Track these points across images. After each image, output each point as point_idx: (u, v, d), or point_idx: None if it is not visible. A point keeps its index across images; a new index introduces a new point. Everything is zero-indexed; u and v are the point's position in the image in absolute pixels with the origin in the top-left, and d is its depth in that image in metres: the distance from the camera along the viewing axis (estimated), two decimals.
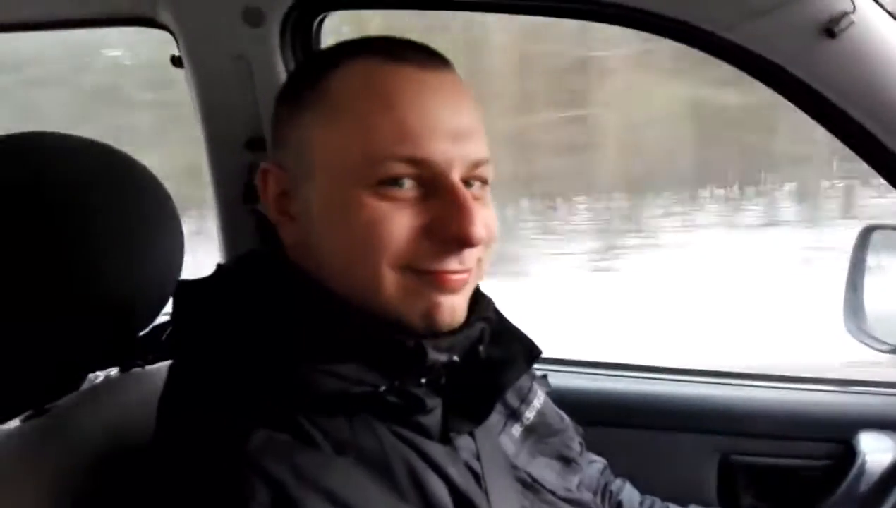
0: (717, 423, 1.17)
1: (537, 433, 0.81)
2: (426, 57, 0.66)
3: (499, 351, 0.72)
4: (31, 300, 0.69)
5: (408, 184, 0.62)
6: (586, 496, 0.84)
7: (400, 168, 0.61)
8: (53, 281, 0.70)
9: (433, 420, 0.66)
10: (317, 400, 0.59)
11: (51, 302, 0.70)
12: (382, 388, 0.61)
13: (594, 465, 0.95)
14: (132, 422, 0.74)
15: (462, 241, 0.61)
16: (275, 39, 1.08)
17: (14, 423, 0.74)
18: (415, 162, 0.61)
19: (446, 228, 0.61)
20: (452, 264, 0.63)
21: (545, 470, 0.79)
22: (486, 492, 0.67)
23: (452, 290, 0.64)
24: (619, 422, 1.18)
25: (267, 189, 0.68)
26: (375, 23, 1.24)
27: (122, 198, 0.77)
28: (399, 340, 0.62)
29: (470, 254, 0.63)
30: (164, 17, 1.12)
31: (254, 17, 1.07)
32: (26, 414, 0.75)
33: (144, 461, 0.63)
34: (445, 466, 0.64)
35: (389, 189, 0.61)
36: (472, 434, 0.70)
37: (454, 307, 0.64)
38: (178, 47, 1.13)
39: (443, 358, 0.64)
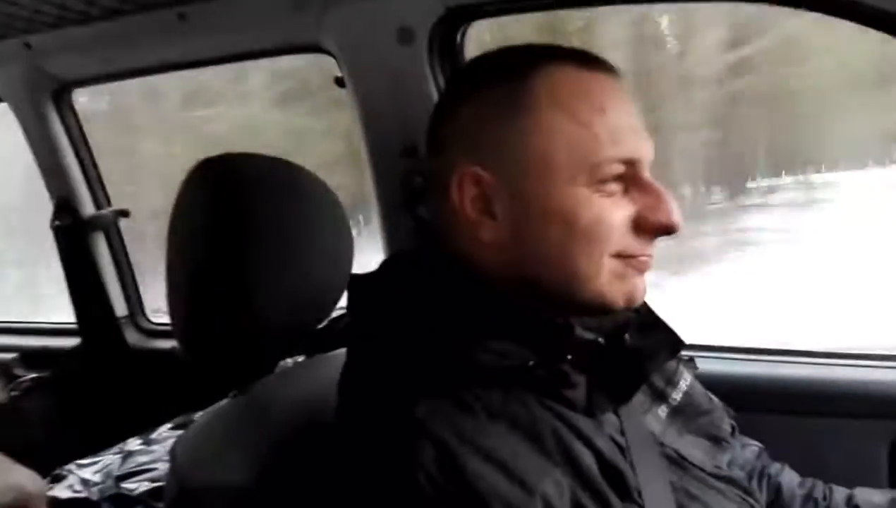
0: (887, 408, 1.11)
1: (685, 413, 0.82)
2: (606, 64, 0.73)
3: (644, 341, 0.75)
4: (231, 297, 0.82)
5: (615, 181, 0.69)
6: (737, 474, 0.84)
7: (616, 168, 0.68)
8: (249, 282, 0.82)
9: (579, 395, 0.70)
10: (473, 373, 0.66)
11: (247, 298, 0.82)
12: (532, 363, 0.67)
13: (749, 448, 0.94)
14: (318, 400, 0.85)
15: (668, 229, 0.70)
16: (424, 54, 1.17)
17: (223, 402, 0.89)
18: (627, 161, 0.69)
19: (653, 218, 0.69)
20: (651, 249, 0.71)
21: (693, 448, 0.80)
22: (631, 465, 0.70)
23: (645, 272, 0.72)
24: (776, 409, 1.15)
25: (463, 192, 0.71)
26: (516, 29, 1.30)
27: (299, 206, 0.90)
28: (549, 318, 0.68)
29: (655, 241, 0.71)
30: (328, 43, 1.26)
31: (406, 36, 1.17)
32: (232, 393, 0.90)
33: (329, 432, 0.74)
34: (592, 437, 0.68)
35: (606, 186, 0.68)
36: (616, 413, 0.74)
37: (645, 287, 0.72)
38: (340, 69, 1.26)
39: (588, 336, 0.70)
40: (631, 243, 0.70)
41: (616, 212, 0.69)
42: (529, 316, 0.69)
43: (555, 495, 0.62)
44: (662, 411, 0.81)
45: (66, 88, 1.66)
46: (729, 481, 0.80)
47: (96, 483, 0.97)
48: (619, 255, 0.69)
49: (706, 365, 1.06)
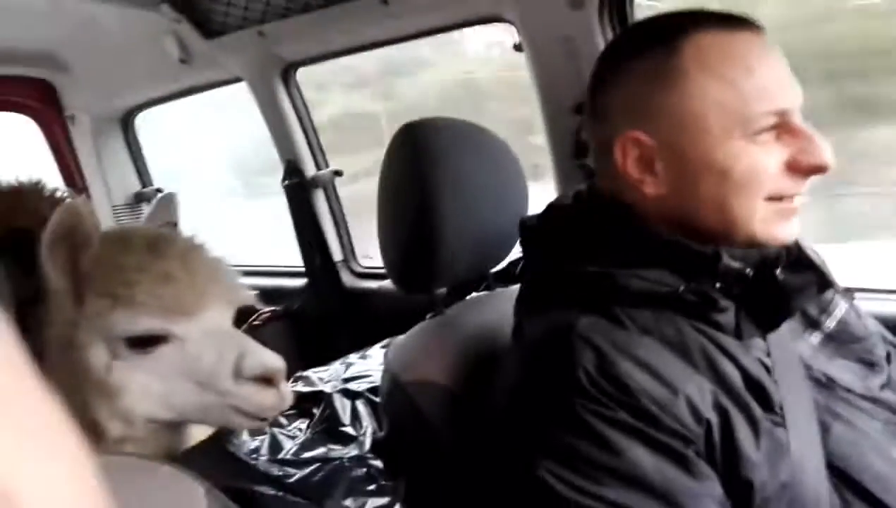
0: None
1: (838, 340, 0.86)
2: (753, 24, 0.78)
3: (793, 278, 0.81)
4: (428, 240, 0.99)
5: (768, 130, 0.75)
6: (889, 396, 0.85)
7: (768, 120, 0.74)
8: (441, 228, 0.99)
9: (727, 319, 0.78)
10: (628, 297, 0.78)
11: (440, 241, 0.99)
12: (682, 288, 0.77)
13: None
14: (497, 322, 1.01)
15: (823, 168, 0.75)
16: (594, 19, 1.27)
17: (424, 322, 1.09)
18: (778, 112, 0.75)
19: (807, 160, 0.75)
20: (803, 189, 0.77)
21: (843, 371, 0.84)
22: (776, 382, 0.77)
23: (796, 213, 0.78)
24: None
25: (626, 155, 0.79)
26: None
27: (481, 163, 1.05)
28: (697, 248, 0.78)
29: (807, 182, 0.78)
30: (508, 13, 1.40)
31: (577, 2, 1.27)
32: (430, 315, 1.09)
33: (504, 349, 0.90)
34: (737, 355, 0.76)
35: (758, 137, 0.74)
36: (763, 338, 0.80)
37: (795, 229, 0.79)
38: (519, 35, 1.40)
39: (736, 264, 0.77)
40: (784, 184, 0.76)
41: (769, 158, 0.75)
42: (680, 246, 0.78)
43: (697, 396, 0.72)
44: (815, 337, 0.85)
45: (291, 68, 1.96)
46: (877, 402, 0.83)
47: (327, 381, 1.24)
48: (773, 198, 0.76)
49: (875, 306, 1.08)
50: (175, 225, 1.04)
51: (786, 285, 0.80)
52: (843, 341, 0.87)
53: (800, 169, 0.76)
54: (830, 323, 0.87)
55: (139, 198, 2.62)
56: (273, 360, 0.88)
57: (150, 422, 0.90)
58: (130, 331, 0.86)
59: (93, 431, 0.88)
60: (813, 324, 0.86)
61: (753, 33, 0.77)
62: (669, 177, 0.79)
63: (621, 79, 0.81)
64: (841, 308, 0.89)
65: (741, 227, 0.77)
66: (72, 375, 0.87)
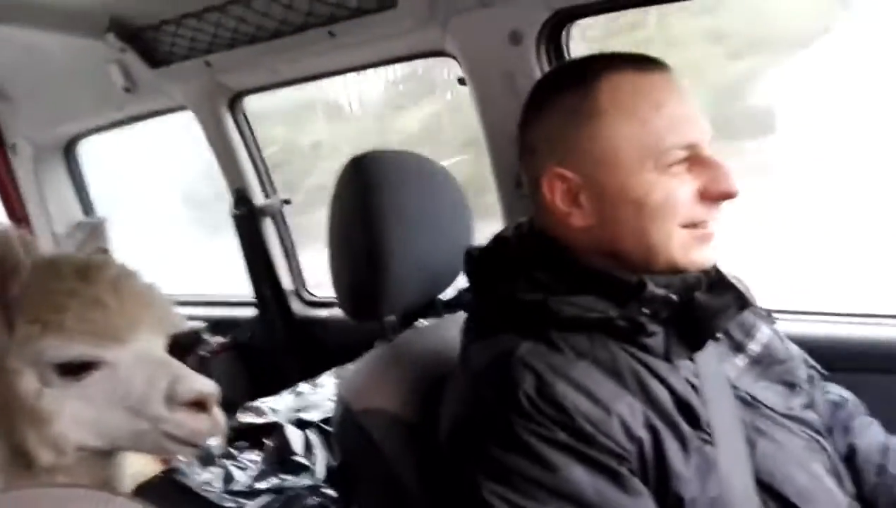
0: None
1: (762, 363, 0.92)
2: (659, 64, 0.85)
3: (714, 299, 0.86)
4: (375, 269, 1.01)
5: (679, 163, 0.80)
6: (809, 415, 0.90)
7: (679, 153, 0.80)
8: (388, 257, 1.01)
9: (656, 342, 0.83)
10: (563, 322, 0.82)
11: (387, 270, 1.01)
12: (612, 314, 0.82)
13: (830, 396, 1.00)
14: (446, 348, 1.03)
15: (729, 195, 0.81)
16: (532, 54, 1.33)
17: (374, 350, 1.11)
18: (687, 146, 0.80)
19: (716, 188, 0.81)
20: (715, 215, 0.83)
21: (766, 392, 0.89)
22: (703, 401, 0.82)
23: (712, 239, 0.83)
24: (872, 368, 1.20)
25: (553, 189, 0.84)
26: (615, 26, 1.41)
27: (425, 192, 1.08)
28: (623, 277, 0.82)
29: (719, 208, 0.83)
30: (451, 48, 1.44)
31: (516, 38, 1.33)
32: (380, 342, 1.11)
33: (452, 372, 0.93)
34: (666, 376, 0.81)
35: (672, 168, 0.80)
36: (691, 359, 0.85)
37: (713, 254, 0.84)
38: (462, 70, 1.45)
39: (660, 292, 0.82)
40: (698, 212, 0.81)
41: (682, 188, 0.80)
42: (607, 276, 0.84)
43: (629, 416, 0.76)
44: (741, 360, 0.91)
45: (238, 97, 1.97)
46: (799, 421, 0.88)
47: (278, 411, 1.24)
48: (688, 225, 0.81)
49: (800, 328, 1.15)
50: (106, 251, 1.04)
51: (707, 307, 0.85)
52: (766, 363, 0.92)
53: (710, 196, 0.81)
54: (755, 347, 0.93)
55: (81, 228, 2.57)
56: (205, 385, 0.88)
57: (80, 450, 0.88)
58: (60, 357, 0.86)
59: (22, 458, 0.87)
60: (738, 348, 0.92)
61: (662, 73, 0.84)
62: (593, 210, 0.84)
63: (545, 116, 0.86)
64: (764, 332, 0.95)
65: (661, 253, 0.82)
66: (2, 402, 0.86)
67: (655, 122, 0.80)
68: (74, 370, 0.86)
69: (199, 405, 0.88)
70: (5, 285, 0.86)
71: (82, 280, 0.88)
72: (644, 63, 0.84)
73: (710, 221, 0.83)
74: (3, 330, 0.86)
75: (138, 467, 1.03)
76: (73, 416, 0.86)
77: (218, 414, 0.90)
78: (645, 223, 0.81)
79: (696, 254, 0.83)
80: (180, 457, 1.09)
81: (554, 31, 1.33)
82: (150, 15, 1.71)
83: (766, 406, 0.88)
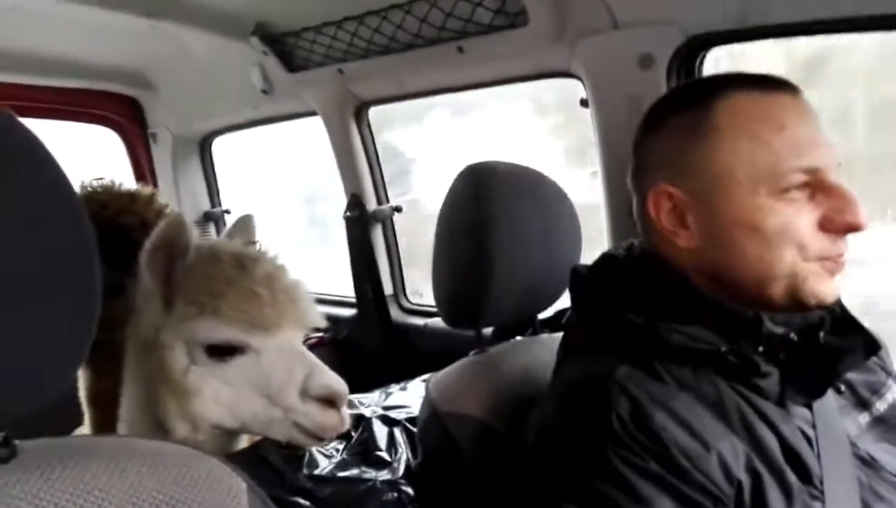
0: None
1: (887, 424, 0.85)
2: (787, 85, 0.81)
3: (839, 340, 0.80)
4: (478, 281, 1.03)
5: (800, 189, 0.76)
6: None
7: (798, 177, 0.76)
8: (492, 270, 1.01)
9: (770, 384, 0.78)
10: (668, 351, 0.78)
11: (489, 283, 1.02)
12: (723, 349, 0.77)
13: None
14: (538, 366, 1.03)
15: (855, 228, 0.76)
16: (663, 79, 1.30)
17: (467, 358, 1.11)
18: (808, 170, 0.76)
19: (840, 219, 0.75)
20: (841, 248, 0.77)
21: (888, 455, 0.82)
22: (818, 455, 0.76)
23: (839, 271, 0.78)
24: None
25: (660, 207, 0.82)
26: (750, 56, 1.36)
27: (537, 208, 1.08)
28: (738, 310, 0.78)
29: (846, 241, 0.78)
30: (576, 68, 1.44)
31: (647, 62, 1.31)
32: (473, 352, 1.11)
33: (542, 391, 0.91)
34: (776, 422, 0.76)
35: (788, 194, 0.76)
36: (809, 408, 0.80)
37: (838, 287, 0.79)
38: (586, 91, 1.44)
39: (779, 330, 0.77)
40: (823, 245, 0.76)
41: (800, 217, 0.76)
42: (720, 307, 0.79)
43: (730, 455, 0.72)
44: (864, 418, 0.84)
45: (365, 106, 2.04)
46: None
47: (368, 406, 1.26)
48: (813, 258, 0.76)
49: None
50: (254, 243, 1.10)
51: (830, 348, 0.79)
52: (891, 426, 0.85)
53: (832, 227, 0.76)
54: (881, 406, 0.86)
55: (207, 218, 2.74)
56: (338, 383, 0.92)
57: (214, 428, 0.94)
58: (211, 339, 0.91)
59: (159, 428, 0.92)
60: (863, 404, 0.85)
61: (788, 94, 0.79)
62: (701, 231, 0.80)
63: (660, 134, 0.84)
64: (894, 392, 0.88)
65: (776, 285, 0.77)
66: (150, 373, 0.93)
67: (775, 144, 0.76)
68: (221, 352, 0.92)
69: (330, 401, 0.91)
70: (172, 266, 0.92)
71: (240, 269, 0.93)
72: (768, 83, 0.80)
73: (835, 254, 0.77)
74: (162, 308, 0.93)
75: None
76: (214, 395, 0.91)
77: (345, 412, 0.93)
78: (759, 250, 0.77)
79: (819, 285, 0.77)
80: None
81: (688, 57, 1.29)
82: (293, 22, 1.81)
83: (886, 469, 0.81)
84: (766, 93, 0.79)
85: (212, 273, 0.92)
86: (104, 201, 1.14)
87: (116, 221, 1.10)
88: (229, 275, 0.92)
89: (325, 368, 0.93)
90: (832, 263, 0.77)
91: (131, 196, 1.18)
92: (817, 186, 0.77)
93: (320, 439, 0.94)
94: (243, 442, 1.05)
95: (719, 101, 0.79)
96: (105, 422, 1.03)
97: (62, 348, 0.52)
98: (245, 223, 1.12)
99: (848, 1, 1.08)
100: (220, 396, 0.91)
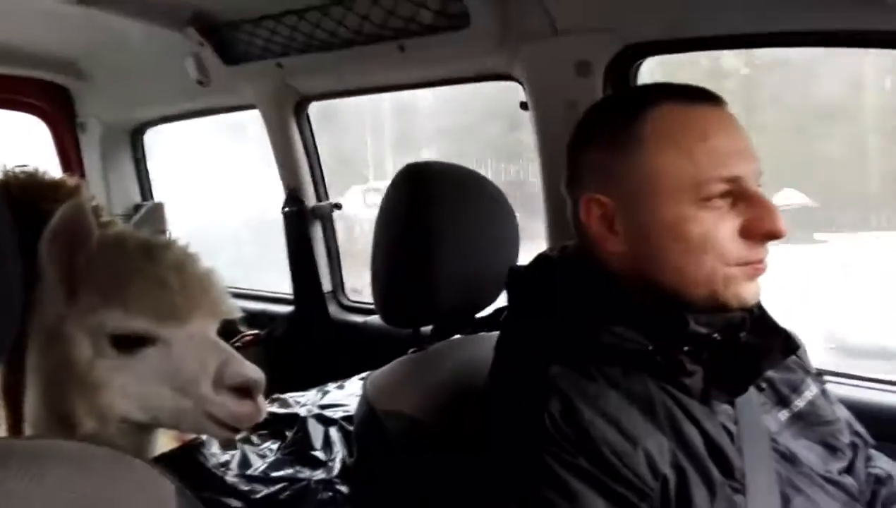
0: None
1: (805, 420, 0.88)
2: (711, 97, 0.84)
3: (759, 341, 0.84)
4: (417, 280, 1.03)
5: (722, 198, 0.79)
6: (848, 481, 0.86)
7: (720, 186, 0.78)
8: (430, 269, 1.02)
9: (695, 383, 0.81)
10: (598, 350, 0.81)
11: (428, 282, 1.02)
12: (650, 348, 0.80)
13: (874, 469, 0.94)
14: (477, 364, 1.02)
15: (775, 235, 0.79)
16: (599, 86, 1.33)
17: (405, 356, 1.11)
18: (729, 180, 0.78)
19: (760, 227, 0.78)
20: (761, 254, 0.80)
21: (806, 451, 0.86)
22: (739, 450, 0.79)
23: (759, 275, 0.81)
24: None
25: (590, 213, 0.84)
26: (686, 67, 1.41)
27: (474, 208, 1.09)
28: (664, 311, 0.81)
29: (766, 247, 0.81)
30: (517, 72, 1.46)
31: (584, 69, 1.34)
32: (411, 350, 1.11)
33: (480, 390, 0.92)
34: (701, 419, 0.79)
35: (711, 202, 0.78)
36: (732, 404, 0.83)
37: (758, 290, 0.82)
38: (525, 95, 1.46)
39: (702, 330, 0.80)
40: (742, 251, 0.79)
41: (721, 224, 0.78)
42: (647, 308, 0.82)
43: (656, 453, 0.74)
44: (783, 414, 0.88)
45: (305, 101, 2.02)
46: (837, 485, 0.84)
47: (303, 405, 1.25)
48: (734, 263, 0.79)
49: (848, 391, 1.11)
50: (164, 232, 1.07)
51: (751, 348, 0.83)
52: (809, 422, 0.89)
53: (753, 235, 0.79)
54: (800, 403, 0.90)
55: (137, 210, 2.65)
56: (254, 372, 0.90)
57: (123, 422, 0.90)
58: (119, 330, 0.88)
59: (65, 424, 0.89)
60: (783, 402, 0.89)
61: (712, 106, 0.82)
62: (628, 237, 0.83)
63: (590, 145, 0.87)
64: (812, 390, 0.92)
65: (698, 289, 0.80)
66: (54, 366, 0.89)
67: (697, 153, 0.79)
68: (129, 344, 0.89)
69: (244, 391, 0.89)
70: (74, 254, 0.89)
71: (147, 258, 0.91)
72: (693, 95, 0.83)
73: (754, 260, 0.80)
74: (65, 298, 0.89)
75: (161, 443, 1.04)
76: (122, 388, 0.88)
77: (262, 402, 0.91)
78: (683, 257, 0.80)
79: (740, 289, 0.81)
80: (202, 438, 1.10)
81: (623, 65, 1.33)
82: (231, 13, 1.78)
83: (805, 464, 0.85)
84: (691, 105, 0.82)
85: (117, 261, 0.89)
86: (25, 186, 1.09)
87: (37, 206, 1.04)
88: (136, 264, 0.89)
89: (240, 358, 0.91)
90: (752, 268, 0.80)
91: (54, 184, 1.12)
92: (738, 195, 0.79)
93: (235, 430, 0.92)
94: (163, 438, 1.03)
95: (647, 112, 0.82)
96: (19, 419, 0.98)
97: None
98: (156, 212, 1.09)
99: (780, 17, 1.13)
100: (127, 389, 0.89)
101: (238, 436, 1.06)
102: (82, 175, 2.54)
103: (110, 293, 0.87)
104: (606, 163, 0.84)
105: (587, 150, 0.87)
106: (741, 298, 0.81)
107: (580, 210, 0.86)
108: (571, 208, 0.90)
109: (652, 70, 1.39)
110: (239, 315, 0.98)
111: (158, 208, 1.09)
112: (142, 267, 0.89)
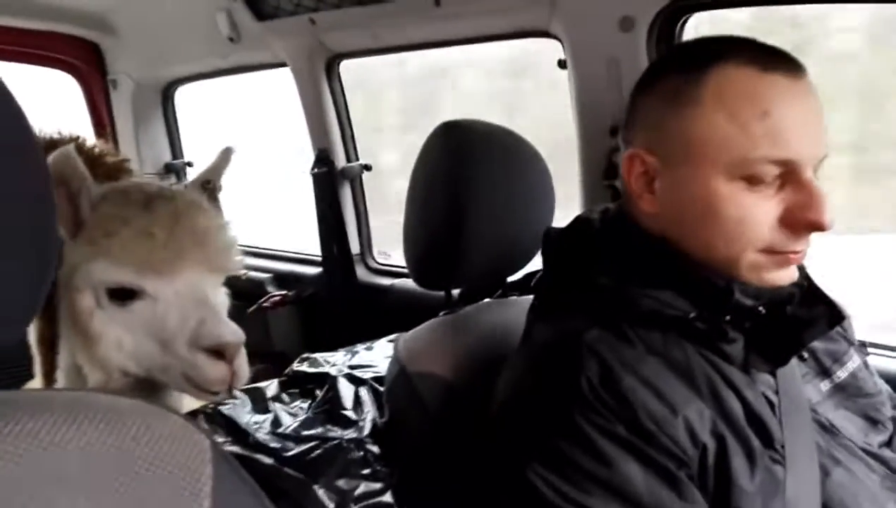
0: None
1: (846, 391, 0.86)
2: (792, 65, 0.74)
3: (804, 311, 0.81)
4: (450, 241, 1.01)
5: (770, 179, 0.73)
6: (888, 454, 0.84)
7: (770, 169, 0.72)
8: (465, 230, 1.00)
9: (735, 351, 0.78)
10: (637, 315, 0.78)
11: (461, 243, 1.01)
12: (692, 315, 0.77)
13: None
14: (507, 328, 1.01)
15: (818, 227, 0.73)
16: (643, 42, 1.28)
17: (437, 318, 1.10)
18: (783, 162, 0.72)
19: (803, 217, 0.72)
20: (801, 245, 0.75)
21: (846, 422, 0.83)
22: (780, 421, 0.77)
23: (792, 265, 0.77)
24: None
25: (632, 169, 0.81)
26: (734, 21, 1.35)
27: (511, 168, 1.06)
28: (710, 278, 0.77)
29: (807, 238, 0.76)
30: (556, 28, 1.41)
31: (627, 24, 1.29)
32: (443, 312, 1.10)
33: (510, 351, 0.90)
34: (741, 388, 0.76)
35: (757, 184, 0.73)
36: (773, 374, 0.80)
37: (792, 275, 0.78)
38: (564, 52, 1.41)
39: (748, 302, 0.77)
40: (779, 240, 0.74)
41: (762, 208, 0.73)
42: (694, 274, 0.79)
43: (696, 420, 0.72)
44: (825, 385, 0.85)
45: (337, 59, 1.98)
46: (877, 458, 0.82)
47: (333, 365, 1.25)
48: (766, 251, 0.75)
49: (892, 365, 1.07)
50: (208, 183, 1.03)
51: (795, 319, 0.80)
52: (850, 394, 0.87)
53: (794, 224, 0.73)
54: (841, 374, 0.87)
55: (168, 169, 2.66)
56: (229, 334, 0.85)
57: (124, 374, 0.89)
58: (105, 282, 0.86)
59: (78, 375, 0.89)
60: (824, 372, 0.86)
61: (788, 74, 0.74)
62: (663, 200, 0.80)
63: (646, 97, 0.82)
64: (854, 361, 0.89)
65: (727, 268, 0.77)
66: (68, 316, 0.89)
67: (753, 129, 0.72)
68: (122, 295, 0.87)
69: (219, 353, 0.85)
70: (75, 204, 0.87)
71: (144, 209, 0.87)
72: (767, 60, 0.74)
73: (789, 250, 0.75)
74: (70, 248, 0.88)
75: (187, 402, 1.04)
76: (116, 340, 0.87)
77: (240, 366, 0.86)
78: (713, 234, 0.76)
79: (768, 275, 0.77)
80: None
81: (669, 21, 1.27)
82: None
83: (843, 435, 0.83)
84: (762, 71, 0.73)
85: (112, 212, 0.87)
86: (47, 146, 1.07)
87: None
88: (127, 215, 0.86)
89: (222, 316, 0.87)
90: (783, 258, 0.76)
91: (76, 147, 1.10)
92: (788, 179, 0.74)
93: (211, 393, 0.88)
94: (188, 400, 1.01)
95: (711, 70, 0.75)
96: (51, 368, 0.98)
97: (14, 296, 0.48)
98: (226, 154, 1.05)
99: None
100: (121, 341, 0.87)
101: (214, 399, 1.02)
102: (114, 133, 2.55)
103: (100, 243, 0.85)
104: (657, 118, 0.79)
105: (643, 102, 0.82)
106: (769, 283, 0.77)
107: (624, 162, 0.82)
108: (622, 166, 0.85)
109: (697, 27, 1.33)
110: (241, 271, 0.94)
111: (227, 152, 1.04)
112: (131, 217, 0.86)
